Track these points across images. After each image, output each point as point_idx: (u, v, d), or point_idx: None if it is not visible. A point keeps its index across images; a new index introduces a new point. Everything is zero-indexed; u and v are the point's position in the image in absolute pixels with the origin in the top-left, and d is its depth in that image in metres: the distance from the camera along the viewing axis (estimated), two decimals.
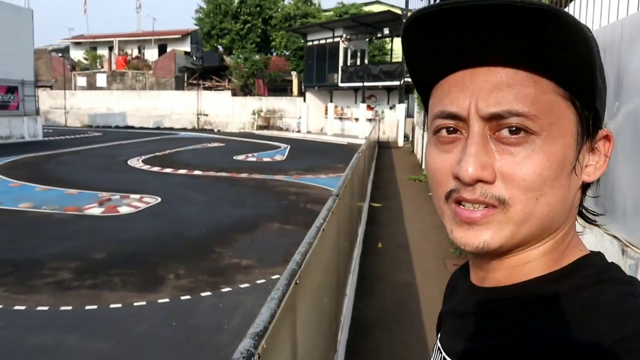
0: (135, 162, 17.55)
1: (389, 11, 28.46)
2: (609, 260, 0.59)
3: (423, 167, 16.01)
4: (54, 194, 11.63)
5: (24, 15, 24.80)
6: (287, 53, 38.71)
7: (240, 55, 38.27)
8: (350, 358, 4.20)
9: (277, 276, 6.54)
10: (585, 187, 0.61)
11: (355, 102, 31.22)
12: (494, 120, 0.54)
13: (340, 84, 30.13)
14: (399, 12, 29.39)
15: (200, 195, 11.97)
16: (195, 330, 5.03)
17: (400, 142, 26.60)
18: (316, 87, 32.38)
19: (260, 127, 35.93)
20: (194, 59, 40.59)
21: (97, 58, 42.35)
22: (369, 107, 30.35)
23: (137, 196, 11.44)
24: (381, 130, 27.72)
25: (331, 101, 31.78)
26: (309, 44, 32.26)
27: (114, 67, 40.78)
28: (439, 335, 0.76)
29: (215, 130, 36.31)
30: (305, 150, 23.13)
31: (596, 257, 0.60)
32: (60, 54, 43.05)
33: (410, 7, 29.49)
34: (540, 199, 0.55)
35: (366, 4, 38.36)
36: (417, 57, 0.60)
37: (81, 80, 40.80)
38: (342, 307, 4.04)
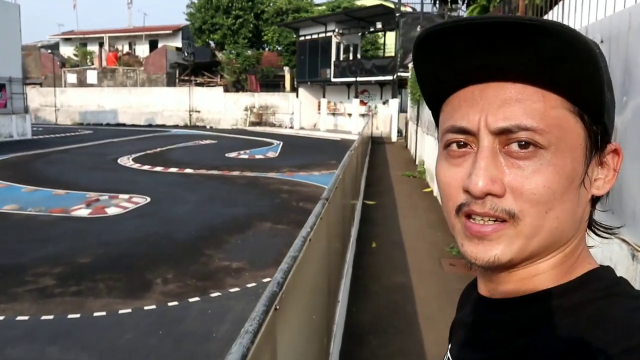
0: (126, 161, 17.28)
1: (381, 5, 28.20)
2: (618, 271, 0.59)
3: (417, 162, 15.84)
4: (40, 195, 11.37)
5: (10, 11, 24.38)
6: (279, 48, 38.40)
7: (232, 51, 37.91)
8: None
9: (268, 279, 6.34)
10: (594, 200, 0.61)
11: (348, 98, 31.00)
12: (504, 134, 0.55)
13: (333, 79, 29.89)
14: (392, 5, 29.18)
15: (191, 194, 11.74)
16: (182, 339, 4.83)
17: (394, 138, 26.42)
18: (309, 83, 32.12)
19: (252, 124, 35.65)
20: (186, 54, 40.22)
21: (87, 54, 41.88)
22: (362, 102, 30.15)
23: (126, 196, 11.20)
24: (374, 126, 27.53)
25: (324, 96, 31.53)
26: (301, 38, 31.98)
27: (104, 63, 40.33)
28: (449, 346, 0.76)
29: (208, 127, 36.01)
30: (298, 147, 22.91)
31: (605, 271, 0.60)
32: (49, 51, 42.55)
33: (403, 1, 29.32)
34: (549, 212, 0.55)
35: None
36: (428, 73, 0.61)
37: (71, 77, 40.35)
38: (335, 315, 3.85)
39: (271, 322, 1.42)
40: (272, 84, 38.24)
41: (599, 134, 0.57)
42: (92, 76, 39.72)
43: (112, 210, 9.89)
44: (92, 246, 7.60)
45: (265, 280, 6.33)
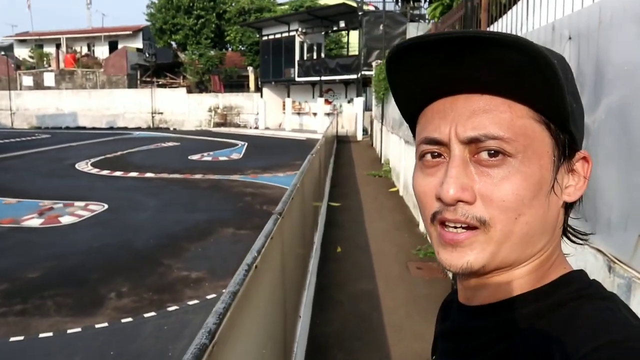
0: (84, 166, 16.66)
1: (344, 4, 28.05)
2: (592, 277, 0.61)
3: (382, 161, 15.74)
4: None
5: None
6: (242, 48, 37.90)
7: (195, 51, 37.22)
8: None
9: None
10: (568, 207, 0.64)
11: (313, 97, 30.78)
12: (473, 143, 0.57)
13: (297, 79, 29.62)
14: (354, 4, 29.07)
15: (151, 199, 11.33)
16: (135, 359, 4.52)
17: (359, 136, 26.34)
18: (273, 82, 31.76)
19: (217, 125, 35.07)
20: (147, 55, 39.27)
21: (43, 56, 40.46)
22: (327, 102, 29.97)
23: (82, 203, 10.72)
24: (339, 125, 27.39)
25: (289, 96, 31.23)
26: (265, 38, 31.60)
27: (62, 65, 39.00)
28: (433, 358, 0.78)
29: (171, 129, 35.26)
30: (263, 148, 22.57)
31: (578, 274, 0.62)
32: (2, 53, 40.95)
33: (366, 0, 29.29)
34: (519, 218, 0.57)
35: None
36: (401, 87, 0.64)
37: (27, 80, 38.92)
38: (296, 333, 3.62)
39: None
40: (236, 85, 37.71)
41: (566, 142, 0.59)
42: (49, 78, 38.39)
43: (66, 219, 9.43)
44: (42, 259, 7.17)
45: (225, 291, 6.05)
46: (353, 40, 30.96)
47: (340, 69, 27.30)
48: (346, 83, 29.08)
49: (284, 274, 2.74)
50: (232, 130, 33.03)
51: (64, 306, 5.63)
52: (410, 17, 25.05)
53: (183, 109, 36.14)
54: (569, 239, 0.67)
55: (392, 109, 13.14)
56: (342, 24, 27.83)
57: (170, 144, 24.60)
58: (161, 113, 36.73)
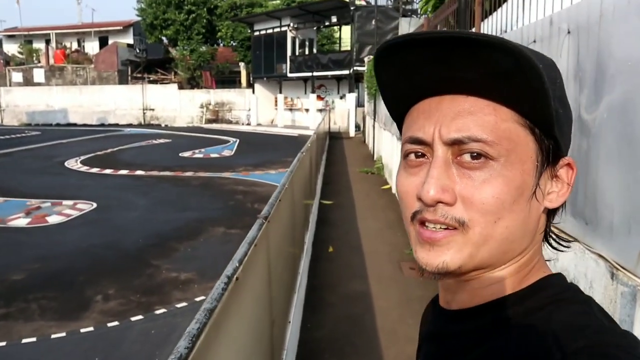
0: (73, 163, 16.44)
1: None
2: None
3: (375, 158, 15.62)
4: None
5: None
6: (234, 44, 37.60)
7: (186, 47, 36.90)
8: None
9: None
10: (550, 213, 0.63)
11: (305, 93, 30.59)
12: (456, 145, 0.57)
13: (289, 75, 29.41)
14: None
15: (140, 198, 11.16)
16: None
17: (352, 132, 26.21)
18: (265, 78, 31.54)
19: (209, 121, 34.81)
20: (138, 51, 38.90)
21: (33, 52, 39.95)
22: (319, 97, 29.79)
23: (71, 202, 10.54)
24: (332, 121, 27.25)
25: (281, 92, 31.03)
26: (256, 33, 31.34)
27: (52, 61, 38.57)
28: None
29: (163, 125, 35.00)
30: (255, 144, 22.40)
31: (556, 278, 0.62)
32: None
33: None
34: (498, 222, 0.57)
35: None
36: (388, 85, 0.64)
37: (17, 76, 38.47)
38: (285, 339, 3.50)
39: None
40: (228, 80, 37.44)
41: (550, 148, 0.59)
42: (39, 75, 37.96)
43: (53, 219, 9.25)
44: (28, 260, 7.01)
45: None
46: (345, 35, 30.76)
47: (333, 64, 27.12)
48: (338, 79, 28.91)
49: (271, 281, 2.62)
50: (224, 126, 32.79)
51: (49, 310, 5.48)
52: (402, 12, 24.91)
53: (174, 105, 35.84)
54: (550, 245, 0.66)
55: (385, 106, 13.01)
56: (334, 19, 27.61)
57: (162, 140, 24.37)
58: (152, 109, 36.41)
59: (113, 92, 36.66)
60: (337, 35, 34.45)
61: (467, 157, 0.57)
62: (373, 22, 24.26)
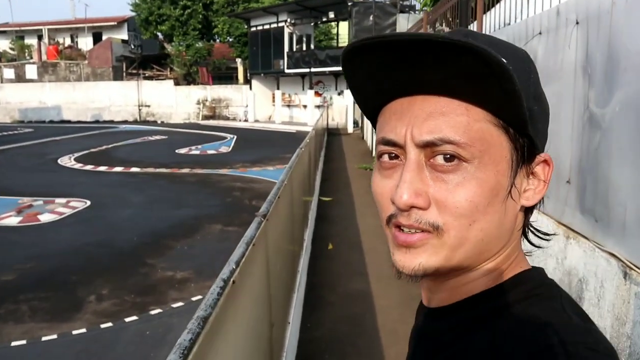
0: (67, 161, 16.23)
1: None
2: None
3: (374, 154, 15.48)
4: None
5: None
6: (230, 39, 37.37)
7: (182, 43, 36.62)
8: None
9: None
10: (528, 209, 0.62)
11: (303, 89, 30.40)
12: (429, 147, 0.56)
13: (287, 70, 29.21)
14: None
15: (135, 195, 10.99)
16: None
17: (350, 129, 26.05)
18: (262, 74, 31.32)
19: (205, 117, 34.58)
20: (132, 47, 38.60)
21: (25, 48, 39.60)
22: (317, 94, 29.62)
23: (64, 200, 10.36)
24: (330, 117, 27.09)
25: (278, 88, 30.84)
26: (253, 29, 31.13)
27: (44, 57, 38.21)
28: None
29: (159, 122, 34.72)
30: (252, 141, 22.22)
31: (534, 273, 0.61)
32: None
33: None
34: (473, 225, 0.56)
35: None
36: (357, 86, 0.63)
37: (8, 72, 38.10)
38: (284, 340, 3.36)
39: None
40: (225, 76, 37.21)
41: (525, 146, 0.58)
42: (31, 71, 37.61)
43: (46, 217, 9.08)
44: (19, 260, 6.84)
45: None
46: (343, 31, 30.58)
47: (330, 60, 26.94)
48: (336, 75, 28.71)
49: (270, 282, 2.47)
50: (221, 123, 32.58)
51: (40, 311, 5.32)
52: (400, 7, 24.74)
53: (170, 101, 35.58)
54: (529, 241, 0.66)
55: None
56: (331, 15, 27.40)
57: (157, 137, 24.16)
58: (148, 106, 36.14)
59: (107, 89, 36.34)
60: (334, 31, 34.27)
61: (440, 160, 0.55)
62: (371, 18, 24.06)
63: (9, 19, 44.78)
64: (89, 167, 14.90)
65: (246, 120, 32.26)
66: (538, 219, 3.53)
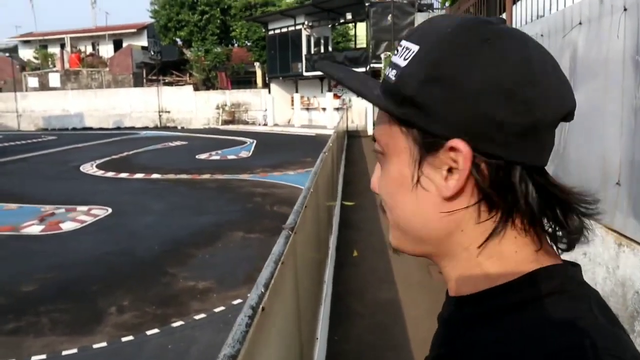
0: (89, 168, 16.28)
1: None
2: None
3: None
4: None
5: None
6: (248, 44, 37.36)
7: (201, 48, 36.73)
8: None
9: (238, 301, 5.63)
10: (482, 202, 0.56)
11: (322, 92, 30.23)
12: None
13: (305, 73, 29.06)
14: None
15: (156, 202, 10.91)
16: None
17: (370, 131, 25.77)
18: (281, 78, 31.24)
19: (225, 122, 34.61)
20: (152, 53, 38.89)
21: (48, 57, 40.14)
22: (336, 96, 29.42)
23: (85, 208, 10.32)
24: (349, 119, 26.87)
25: (297, 91, 30.72)
26: (271, 33, 31.06)
27: (67, 65, 38.69)
28: None
29: (179, 127, 34.87)
30: (272, 145, 22.12)
31: (559, 269, 0.56)
32: (7, 54, 40.76)
33: None
34: (393, 210, 0.61)
35: None
36: None
37: (32, 81, 38.68)
38: (313, 357, 3.16)
39: None
40: (244, 81, 37.22)
41: (419, 136, 0.56)
42: (54, 79, 38.11)
43: (67, 226, 9.02)
44: (40, 270, 6.76)
45: (235, 302, 5.61)
46: (360, 32, 30.33)
47: (349, 62, 26.72)
48: None
49: (299, 302, 2.27)
50: (241, 127, 32.57)
51: (60, 323, 5.21)
52: (417, 6, 24.44)
53: (190, 107, 35.70)
54: (557, 244, 0.58)
55: None
56: (348, 16, 27.22)
57: (178, 143, 24.20)
58: (168, 112, 36.32)
59: (128, 95, 36.63)
60: (352, 32, 34.02)
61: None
62: (389, 18, 23.82)
63: (33, 28, 45.33)
64: (110, 174, 14.91)
65: (265, 124, 32.19)
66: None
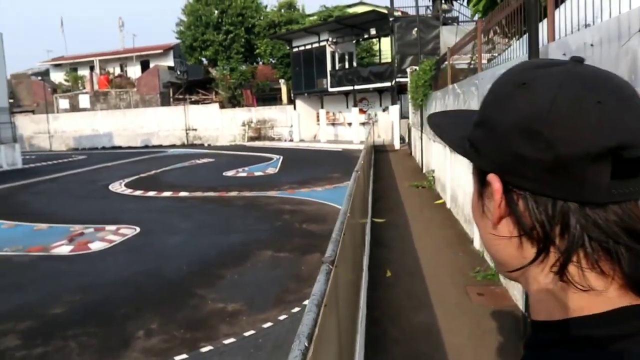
0: (117, 187, 16.39)
1: (374, 11, 27.41)
2: None
3: (424, 171, 14.92)
4: (20, 231, 10.49)
5: None
6: (273, 61, 37.60)
7: (226, 67, 37.11)
8: None
9: (269, 324, 5.44)
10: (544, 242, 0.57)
11: (347, 107, 30.12)
12: None
13: (330, 89, 29.03)
14: (384, 11, 28.39)
15: (184, 221, 10.84)
16: None
17: (397, 145, 25.51)
18: (306, 94, 31.27)
19: (251, 139, 34.76)
20: (178, 73, 39.43)
21: (78, 79, 41.09)
22: (362, 111, 29.27)
23: (114, 227, 10.30)
24: (376, 134, 26.64)
25: (322, 107, 30.67)
26: (295, 50, 31.19)
27: (96, 87, 39.53)
28: None
29: (206, 145, 35.14)
30: (298, 161, 22.02)
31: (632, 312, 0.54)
32: (40, 77, 41.84)
33: (395, 6, 28.48)
34: (479, 232, 0.66)
35: (349, 6, 37.21)
36: None
37: (63, 103, 39.57)
38: None
39: None
40: (269, 98, 37.41)
41: (475, 169, 0.64)
42: (84, 100, 38.92)
43: (96, 246, 8.99)
44: (69, 291, 6.69)
45: (265, 325, 5.41)
46: (385, 47, 30.22)
47: (374, 77, 26.60)
48: (380, 91, 28.30)
49: (341, 342, 2.06)
50: (267, 144, 32.64)
51: (89, 348, 5.08)
52: (443, 20, 24.23)
53: (216, 124, 36.00)
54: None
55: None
56: (372, 32, 27.15)
57: (205, 160, 24.30)
58: (195, 129, 36.69)
59: (155, 114, 37.17)
60: (376, 47, 33.94)
61: None
62: (413, 32, 23.64)
63: (64, 52, 46.50)
64: (138, 193, 14.96)
65: (291, 140, 32.20)
66: None
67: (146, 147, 36.06)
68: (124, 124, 37.46)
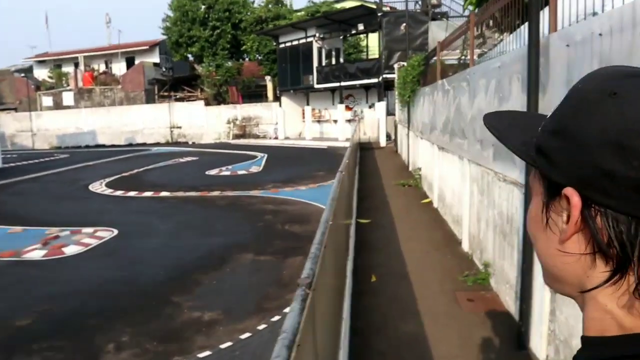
0: (98, 187, 15.95)
1: (362, 6, 27.13)
2: None
3: (410, 169, 14.67)
4: None
5: None
6: (259, 57, 37.17)
7: (212, 63, 36.62)
8: None
9: (247, 335, 5.14)
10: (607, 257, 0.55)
11: (333, 104, 29.81)
12: None
13: (316, 86, 28.69)
14: (373, 6, 28.09)
15: (163, 223, 10.48)
16: None
17: (383, 142, 25.26)
18: (292, 91, 30.91)
19: (236, 136, 34.33)
20: (164, 70, 38.76)
21: (62, 76, 40.25)
22: (348, 108, 29.00)
23: (91, 230, 9.92)
24: (361, 131, 26.36)
25: (308, 104, 30.34)
26: (282, 46, 30.80)
27: (80, 84, 38.75)
28: None
29: (190, 143, 34.66)
30: (283, 159, 21.68)
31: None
32: (23, 74, 41.00)
33: (384, 1, 28.19)
34: (534, 245, 0.64)
35: (337, 1, 36.88)
36: None
37: (47, 100, 38.78)
38: None
39: None
40: (255, 95, 36.96)
41: (545, 182, 0.60)
42: (68, 98, 38.17)
43: (70, 250, 8.61)
44: (37, 301, 6.33)
45: (243, 336, 5.12)
46: (372, 43, 29.91)
47: (361, 73, 26.31)
48: (367, 88, 28.02)
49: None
50: (252, 141, 32.24)
51: None
52: (432, 15, 24.00)
53: (201, 122, 35.51)
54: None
55: (421, 112, 12.10)
56: (360, 27, 26.85)
57: (189, 158, 23.87)
58: (179, 127, 36.16)
59: (140, 112, 36.56)
60: (363, 43, 33.64)
61: None
62: (402, 28, 23.37)
63: (48, 48, 45.54)
64: (119, 193, 14.54)
65: (276, 138, 31.84)
66: None
67: (130, 145, 35.45)
68: (108, 122, 36.78)
